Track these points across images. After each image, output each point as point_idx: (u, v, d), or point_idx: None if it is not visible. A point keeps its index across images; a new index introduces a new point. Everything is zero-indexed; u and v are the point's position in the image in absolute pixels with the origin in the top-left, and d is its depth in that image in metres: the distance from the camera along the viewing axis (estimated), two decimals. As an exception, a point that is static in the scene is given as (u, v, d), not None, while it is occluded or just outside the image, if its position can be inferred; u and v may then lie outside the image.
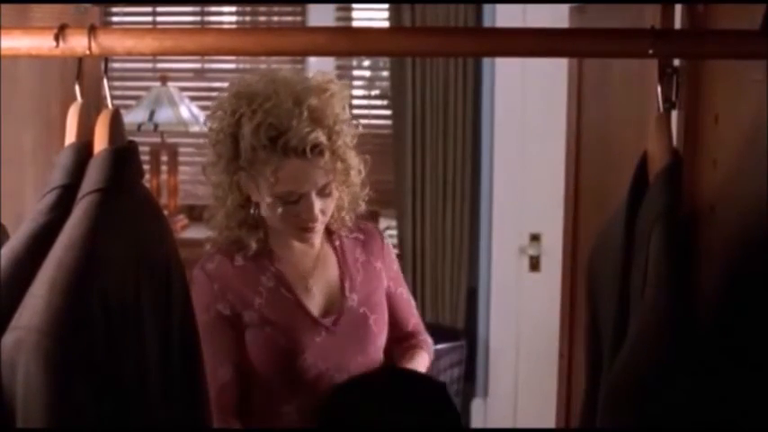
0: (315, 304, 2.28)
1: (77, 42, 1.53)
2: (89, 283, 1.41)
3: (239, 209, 2.23)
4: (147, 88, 5.69)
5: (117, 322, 1.45)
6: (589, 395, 1.66)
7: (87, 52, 1.53)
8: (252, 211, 2.23)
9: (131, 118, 5.44)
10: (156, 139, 5.53)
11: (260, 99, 2.11)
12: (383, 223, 5.68)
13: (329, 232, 2.33)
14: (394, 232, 5.65)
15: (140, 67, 6.16)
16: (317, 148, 2.11)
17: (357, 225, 2.38)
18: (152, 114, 5.44)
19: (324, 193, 2.17)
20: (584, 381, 1.70)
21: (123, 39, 1.54)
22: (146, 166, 5.58)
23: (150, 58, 6.02)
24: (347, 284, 2.30)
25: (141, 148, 6.88)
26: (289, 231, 2.22)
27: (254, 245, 2.25)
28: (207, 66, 6.11)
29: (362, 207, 2.36)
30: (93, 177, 1.51)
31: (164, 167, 5.52)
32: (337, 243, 2.34)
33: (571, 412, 2.45)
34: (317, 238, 2.25)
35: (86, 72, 1.65)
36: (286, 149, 2.09)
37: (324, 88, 2.18)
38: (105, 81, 1.61)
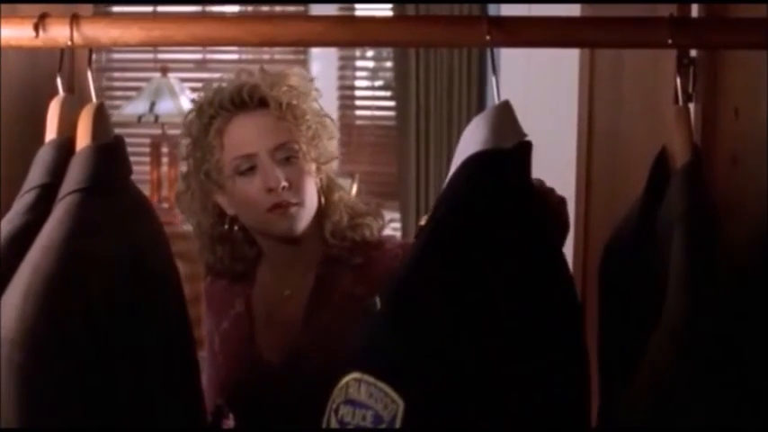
0: (268, 340, 2.02)
1: (59, 32, 1.45)
2: (68, 289, 1.31)
3: (217, 234, 2.03)
4: (147, 79, 5.64)
5: (104, 331, 1.36)
6: (602, 398, 1.58)
7: (69, 43, 1.44)
8: (226, 226, 2.02)
9: (132, 109, 5.44)
10: (157, 131, 5.49)
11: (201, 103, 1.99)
12: (386, 215, 5.58)
13: (323, 256, 2.01)
14: (397, 225, 5.61)
15: (141, 58, 6.15)
16: (255, 95, 1.91)
17: (366, 244, 2.02)
18: (153, 106, 5.39)
19: (283, 155, 1.91)
20: (598, 384, 1.62)
21: (108, 28, 1.45)
22: (146, 158, 5.60)
23: (151, 48, 5.98)
24: (305, 324, 1.98)
25: (142, 140, 6.81)
26: (266, 223, 1.95)
27: (238, 267, 2.06)
28: (208, 56, 6.06)
29: (368, 212, 2.04)
30: (74, 176, 1.42)
31: (164, 159, 5.47)
32: (322, 270, 2.00)
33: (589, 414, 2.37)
34: (300, 221, 1.92)
35: (77, 63, 1.58)
36: (223, 107, 1.92)
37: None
38: (90, 73, 1.53)
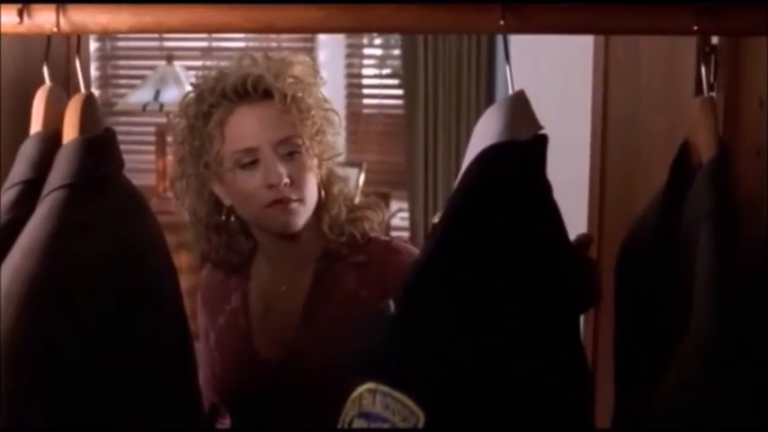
0: (264, 337, 1.96)
1: (44, 18, 1.37)
2: (52, 293, 1.24)
3: (213, 223, 1.96)
4: (152, 67, 5.60)
5: (93, 335, 1.29)
6: (618, 399, 1.53)
7: (55, 29, 1.37)
8: (224, 217, 1.95)
9: (136, 98, 5.44)
10: (162, 120, 5.44)
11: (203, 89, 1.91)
12: (394, 205, 5.59)
13: (322, 252, 1.96)
14: (405, 214, 5.58)
15: (146, 46, 6.11)
16: (260, 86, 1.83)
17: (368, 242, 1.96)
18: (157, 94, 5.39)
19: (286, 150, 1.84)
20: (614, 386, 1.56)
21: (96, 14, 1.38)
22: (151, 147, 5.55)
23: (156, 36, 5.93)
24: (303, 322, 1.91)
25: (146, 129, 6.70)
26: (265, 218, 1.89)
27: (234, 258, 2.00)
28: (214, 44, 5.99)
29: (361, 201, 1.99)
30: (60, 171, 1.34)
31: (170, 148, 5.42)
32: (321, 265, 1.94)
33: (594, 417, 2.31)
34: (299, 218, 1.86)
35: (73, 52, 1.50)
36: (226, 96, 1.84)
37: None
38: (78, 62, 1.45)
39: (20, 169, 1.37)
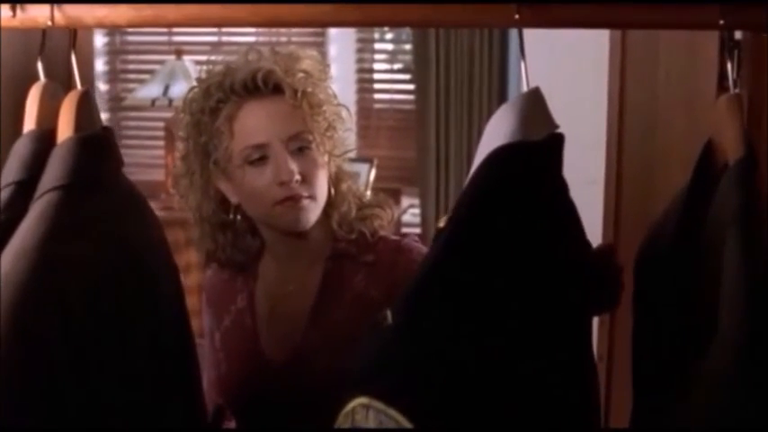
0: (271, 337, 1.92)
1: (39, 11, 1.33)
2: (42, 299, 1.19)
3: (219, 221, 1.92)
4: (161, 62, 5.57)
5: (86, 340, 1.26)
6: (637, 404, 1.48)
7: (49, 23, 1.32)
8: (231, 216, 1.91)
9: (145, 92, 5.42)
10: (171, 115, 5.39)
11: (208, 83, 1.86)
12: (405, 201, 5.56)
13: (332, 251, 1.92)
14: (417, 210, 5.54)
15: (155, 41, 6.08)
16: (270, 81, 1.80)
17: (378, 241, 1.92)
18: (166, 89, 5.35)
19: (296, 146, 1.80)
20: (632, 391, 1.51)
21: (93, 7, 1.33)
22: (160, 143, 5.51)
23: (165, 31, 5.90)
24: (311, 322, 1.88)
25: (155, 124, 6.64)
26: (274, 216, 1.85)
27: (240, 257, 1.96)
28: (224, 39, 5.95)
29: (371, 200, 1.96)
30: (54, 171, 1.29)
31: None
32: (330, 265, 1.90)
33: (610, 417, 2.27)
34: (310, 215, 1.83)
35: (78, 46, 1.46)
36: (234, 91, 1.80)
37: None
38: (73, 56, 1.40)
39: (12, 169, 1.32)
